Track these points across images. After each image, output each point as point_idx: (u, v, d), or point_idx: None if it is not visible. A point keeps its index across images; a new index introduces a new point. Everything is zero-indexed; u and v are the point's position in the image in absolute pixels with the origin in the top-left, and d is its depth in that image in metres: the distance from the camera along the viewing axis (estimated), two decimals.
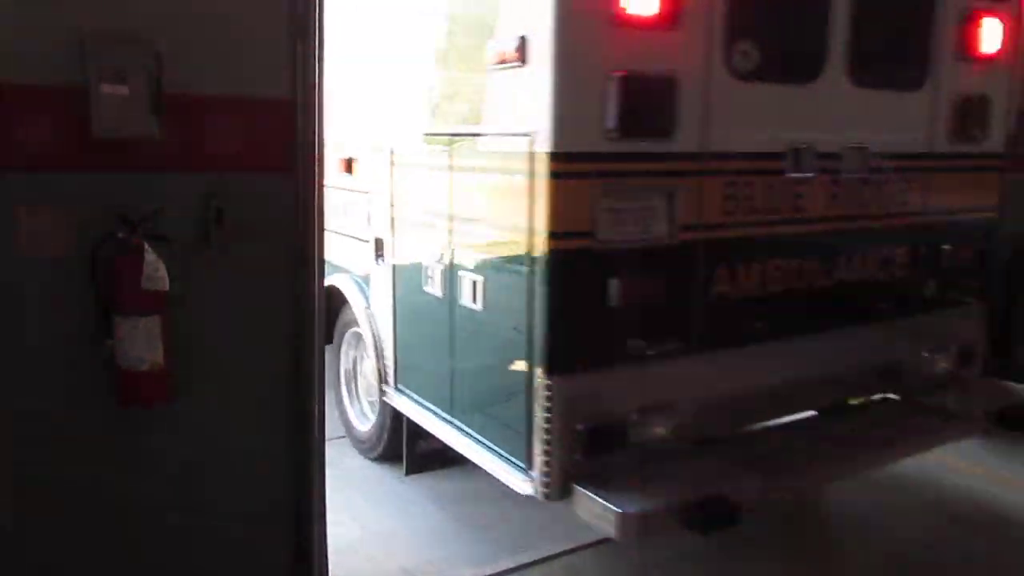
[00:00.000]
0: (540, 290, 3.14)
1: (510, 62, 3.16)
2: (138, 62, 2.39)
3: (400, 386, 4.39)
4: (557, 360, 3.15)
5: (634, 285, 3.21)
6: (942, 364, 4.41)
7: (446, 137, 3.70)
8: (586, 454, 3.22)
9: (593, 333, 3.22)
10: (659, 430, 3.42)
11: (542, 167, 3.05)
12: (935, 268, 4.29)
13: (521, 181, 3.14)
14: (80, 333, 2.49)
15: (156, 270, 2.41)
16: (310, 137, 2.74)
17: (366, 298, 4.69)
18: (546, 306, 3.13)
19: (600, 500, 3.08)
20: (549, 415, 3.17)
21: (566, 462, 3.20)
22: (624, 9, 3.02)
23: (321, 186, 2.80)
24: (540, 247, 3.10)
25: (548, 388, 3.16)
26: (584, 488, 3.16)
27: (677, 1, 3.10)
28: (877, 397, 4.36)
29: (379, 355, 4.53)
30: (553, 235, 3.07)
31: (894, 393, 4.35)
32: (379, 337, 4.53)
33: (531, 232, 3.13)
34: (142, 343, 2.44)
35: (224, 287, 2.67)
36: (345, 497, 4.29)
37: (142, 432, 2.63)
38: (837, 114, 3.74)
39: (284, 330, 2.81)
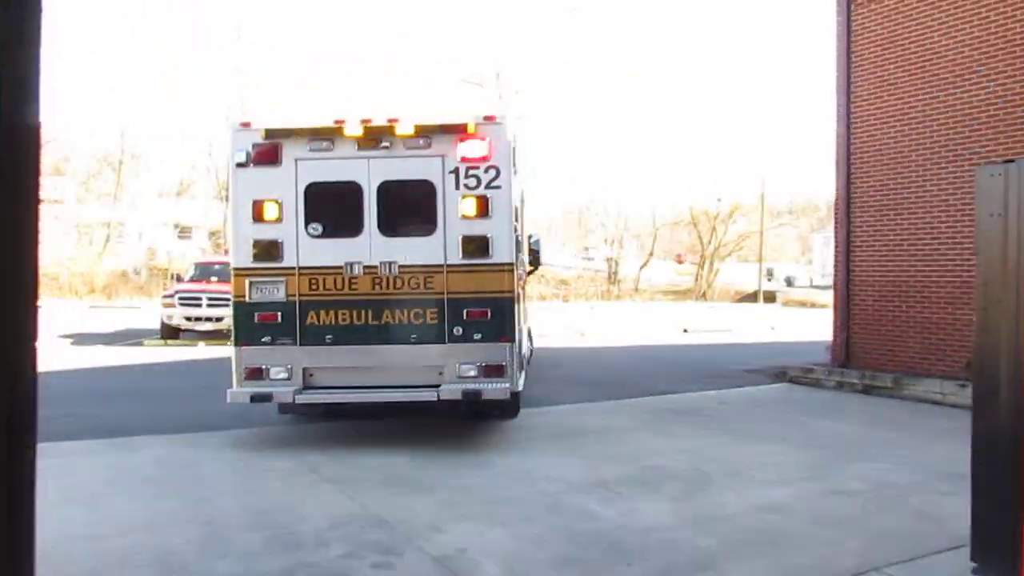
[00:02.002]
0: (233, 315, 8.75)
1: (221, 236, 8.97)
2: None
3: None
4: (236, 341, 8.68)
5: (265, 316, 8.62)
6: (470, 372, 8.63)
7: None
8: (247, 378, 8.63)
9: (249, 333, 8.66)
10: (283, 375, 8.65)
11: (233, 273, 8.72)
12: (460, 320, 8.62)
13: (231, 279, 8.83)
14: None
15: None
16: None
17: None
18: (234, 322, 8.73)
19: (236, 390, 8.50)
20: (236, 363, 8.69)
21: (240, 381, 8.65)
22: (260, 214, 8.59)
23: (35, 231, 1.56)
24: (234, 302, 8.74)
25: (236, 353, 8.69)
26: (239, 387, 8.58)
27: (277, 211, 8.55)
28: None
29: None
30: (235, 296, 8.69)
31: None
32: None
33: (232, 297, 8.78)
34: None
35: None
36: None
37: None
38: (376, 249, 8.63)
39: None
